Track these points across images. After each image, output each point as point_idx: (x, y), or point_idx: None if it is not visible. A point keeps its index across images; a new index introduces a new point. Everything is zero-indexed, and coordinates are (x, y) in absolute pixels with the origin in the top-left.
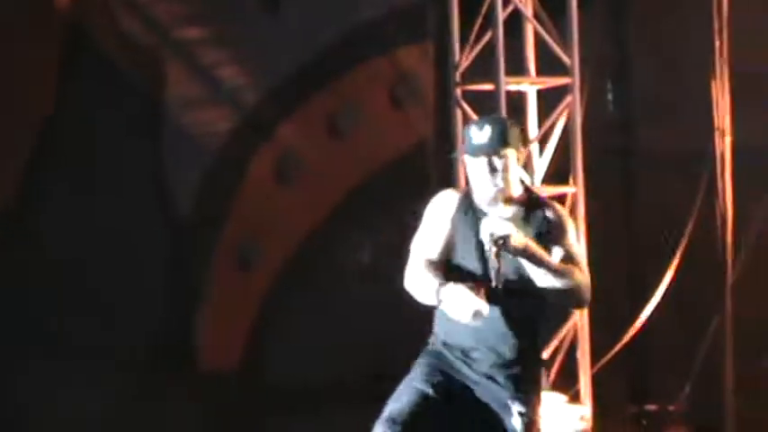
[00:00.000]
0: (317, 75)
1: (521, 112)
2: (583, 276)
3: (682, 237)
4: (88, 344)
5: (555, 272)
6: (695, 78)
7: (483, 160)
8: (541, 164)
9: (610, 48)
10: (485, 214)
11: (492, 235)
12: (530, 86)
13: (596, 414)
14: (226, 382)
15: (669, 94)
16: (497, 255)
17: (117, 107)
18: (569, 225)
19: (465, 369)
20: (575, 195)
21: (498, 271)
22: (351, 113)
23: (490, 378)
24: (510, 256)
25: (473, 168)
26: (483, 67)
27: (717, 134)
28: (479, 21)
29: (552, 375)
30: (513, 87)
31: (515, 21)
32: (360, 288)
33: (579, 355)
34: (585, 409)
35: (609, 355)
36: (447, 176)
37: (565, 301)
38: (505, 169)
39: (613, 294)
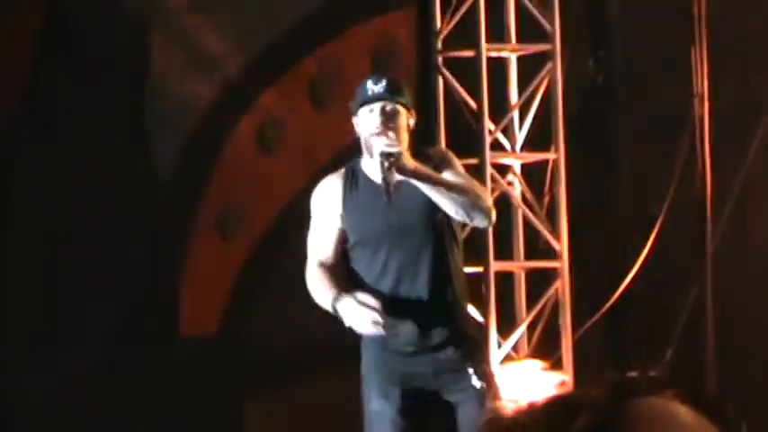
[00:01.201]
0: (299, 42)
1: (502, 79)
2: (479, 187)
3: (662, 203)
4: (68, 310)
5: (451, 186)
6: (675, 44)
7: (377, 107)
8: (522, 130)
9: (590, 14)
10: (376, 181)
11: (383, 153)
12: (510, 53)
13: (577, 380)
14: (205, 349)
15: (650, 61)
16: (389, 170)
17: (98, 74)
18: (453, 157)
19: (410, 363)
20: (556, 162)
21: (389, 184)
22: (333, 81)
23: (433, 358)
24: (413, 199)
25: (366, 120)
26: (464, 34)
27: (696, 100)
28: None
29: (533, 343)
30: (494, 54)
31: None
32: None
33: (561, 321)
34: (566, 375)
35: (590, 322)
36: (427, 141)
37: (470, 212)
38: (398, 119)
39: (594, 261)
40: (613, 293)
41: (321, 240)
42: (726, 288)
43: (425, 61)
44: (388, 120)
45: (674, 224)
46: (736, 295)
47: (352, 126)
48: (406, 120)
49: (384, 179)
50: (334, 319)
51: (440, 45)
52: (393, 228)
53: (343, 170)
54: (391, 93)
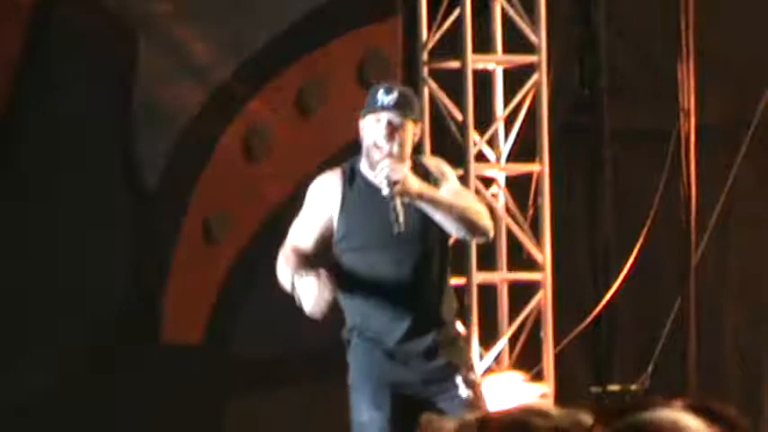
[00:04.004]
0: (286, 51)
1: (488, 90)
2: (479, 205)
3: (646, 217)
4: (50, 315)
5: (453, 206)
6: (662, 58)
7: (384, 117)
8: (507, 142)
9: (577, 26)
10: (375, 185)
11: (388, 178)
12: (497, 65)
13: (558, 393)
14: (190, 355)
15: (636, 74)
16: (395, 197)
17: (86, 80)
18: (451, 171)
19: (400, 371)
20: (540, 174)
21: (398, 215)
22: (318, 89)
23: (422, 366)
24: (410, 210)
25: (370, 129)
26: (450, 45)
27: (682, 115)
28: None
29: (515, 355)
30: (480, 65)
31: None
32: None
33: (543, 334)
34: (546, 387)
35: (573, 334)
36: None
37: (471, 231)
38: (403, 134)
39: (577, 274)
40: (596, 306)
41: (305, 231)
42: (708, 302)
43: (411, 72)
44: (393, 131)
45: (658, 238)
46: (718, 310)
47: (336, 132)
48: (412, 133)
49: (395, 210)
50: (319, 326)
51: (426, 56)
52: (393, 241)
53: (340, 169)
54: (401, 106)
